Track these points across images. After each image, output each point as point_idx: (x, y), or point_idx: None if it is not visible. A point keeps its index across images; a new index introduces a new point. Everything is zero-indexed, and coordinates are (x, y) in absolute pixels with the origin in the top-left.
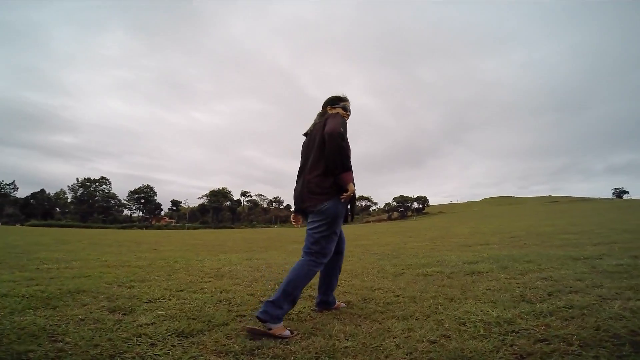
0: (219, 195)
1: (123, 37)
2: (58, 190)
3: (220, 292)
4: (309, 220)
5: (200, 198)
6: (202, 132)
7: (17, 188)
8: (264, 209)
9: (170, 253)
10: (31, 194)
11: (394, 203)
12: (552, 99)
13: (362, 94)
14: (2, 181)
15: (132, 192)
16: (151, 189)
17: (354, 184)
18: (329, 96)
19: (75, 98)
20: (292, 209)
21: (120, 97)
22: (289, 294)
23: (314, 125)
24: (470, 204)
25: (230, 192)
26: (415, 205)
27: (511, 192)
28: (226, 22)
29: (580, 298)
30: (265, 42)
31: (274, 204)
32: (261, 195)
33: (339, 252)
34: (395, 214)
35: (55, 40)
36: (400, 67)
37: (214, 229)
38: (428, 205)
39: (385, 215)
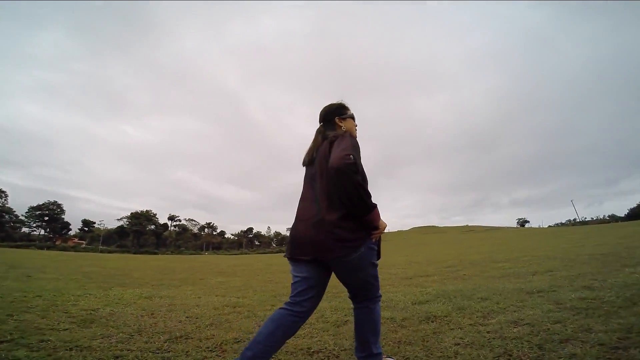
0: (141, 218)
1: (61, 37)
2: None
3: (68, 350)
4: (340, 271)
5: (119, 220)
6: (130, 148)
7: None
8: (195, 234)
9: (45, 283)
10: None
11: None
12: (469, 138)
13: (306, 122)
14: None
15: (33, 208)
16: (58, 205)
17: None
18: (328, 104)
19: None
20: (290, 255)
21: (40, 100)
22: (374, 337)
23: (316, 149)
24: (400, 233)
25: (155, 215)
26: None
27: (435, 222)
28: (178, 35)
29: (581, 351)
30: (216, 60)
31: (206, 229)
32: (192, 220)
33: (304, 316)
34: None
35: None
36: (344, 100)
37: (134, 254)
38: None
39: None
